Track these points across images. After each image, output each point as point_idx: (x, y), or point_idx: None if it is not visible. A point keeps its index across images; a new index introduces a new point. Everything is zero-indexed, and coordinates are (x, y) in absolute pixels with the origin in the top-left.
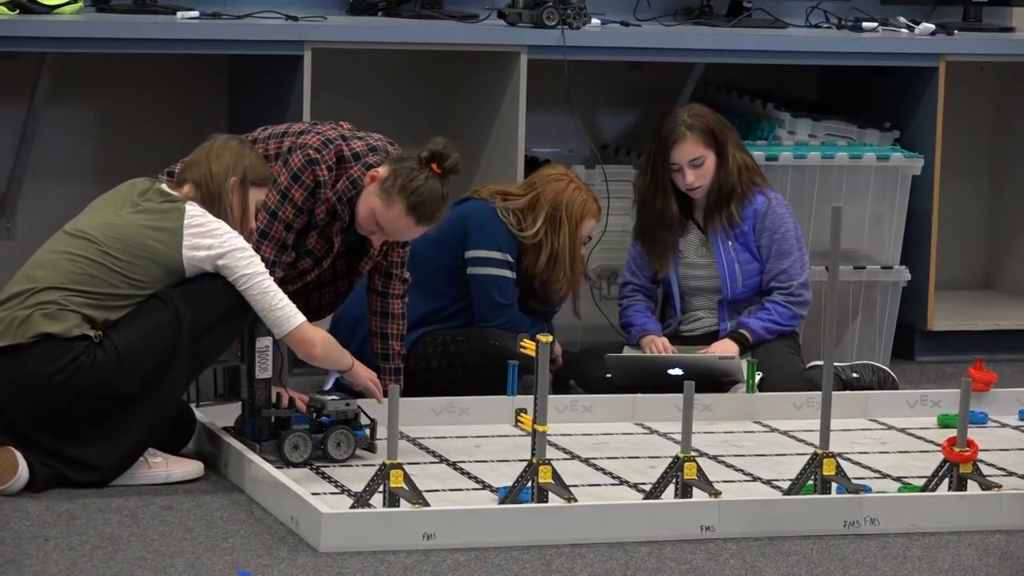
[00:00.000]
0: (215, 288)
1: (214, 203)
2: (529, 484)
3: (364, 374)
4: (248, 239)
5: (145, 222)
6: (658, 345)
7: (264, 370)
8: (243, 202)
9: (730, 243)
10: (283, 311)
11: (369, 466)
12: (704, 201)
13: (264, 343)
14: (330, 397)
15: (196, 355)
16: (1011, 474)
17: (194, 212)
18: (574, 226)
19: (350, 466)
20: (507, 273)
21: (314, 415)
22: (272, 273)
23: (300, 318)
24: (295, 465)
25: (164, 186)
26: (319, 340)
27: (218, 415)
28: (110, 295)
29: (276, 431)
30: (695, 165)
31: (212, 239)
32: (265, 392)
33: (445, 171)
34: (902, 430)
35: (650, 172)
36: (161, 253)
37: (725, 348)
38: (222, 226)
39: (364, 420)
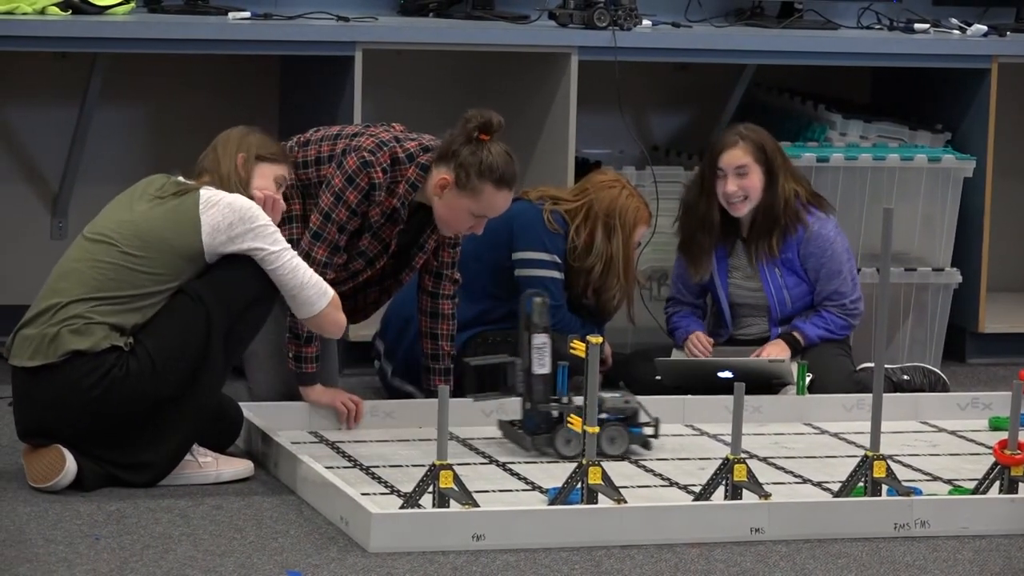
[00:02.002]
0: (240, 273)
1: (228, 187)
2: (579, 485)
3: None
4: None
5: (161, 214)
6: (698, 341)
7: (542, 366)
8: (249, 174)
9: (776, 270)
10: (314, 288)
11: (419, 467)
12: (749, 223)
13: (541, 340)
14: (610, 394)
15: (230, 344)
16: None
17: (208, 194)
18: (628, 233)
19: (400, 466)
20: (555, 274)
21: None
22: (323, 275)
23: (329, 296)
24: (568, 459)
25: (180, 178)
26: (344, 320)
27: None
28: (135, 296)
29: (553, 425)
30: (739, 174)
31: (231, 217)
32: (543, 387)
33: (494, 133)
34: (953, 432)
35: (699, 178)
36: (180, 242)
37: (777, 350)
38: (237, 200)
39: (643, 418)
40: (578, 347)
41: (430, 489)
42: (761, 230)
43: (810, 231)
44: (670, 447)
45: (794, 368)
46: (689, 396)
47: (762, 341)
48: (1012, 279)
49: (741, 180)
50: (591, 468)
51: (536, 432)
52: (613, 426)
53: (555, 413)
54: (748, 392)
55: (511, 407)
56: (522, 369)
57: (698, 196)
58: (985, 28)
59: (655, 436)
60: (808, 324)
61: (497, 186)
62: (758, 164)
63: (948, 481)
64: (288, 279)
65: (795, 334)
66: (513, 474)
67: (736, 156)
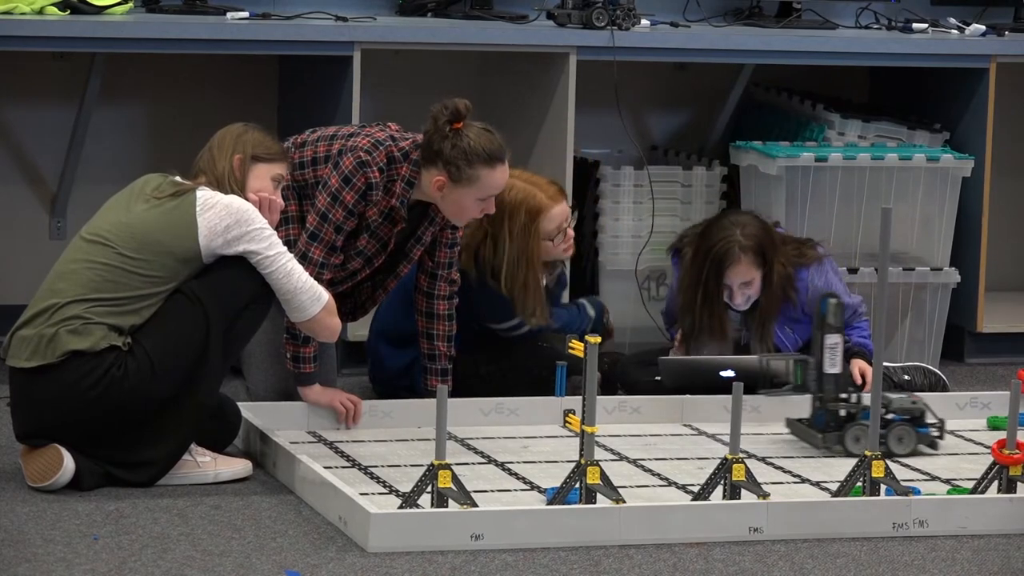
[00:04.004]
0: (238, 273)
1: (223, 189)
2: (577, 485)
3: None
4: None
5: (158, 216)
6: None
7: (833, 365)
8: (246, 175)
9: (787, 328)
10: (309, 293)
11: (417, 467)
12: (749, 320)
13: (834, 340)
14: (896, 395)
15: (228, 344)
16: None
17: (204, 196)
18: (526, 226)
19: (399, 466)
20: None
21: (882, 411)
22: (320, 275)
23: (323, 301)
24: (855, 456)
25: (177, 177)
26: (339, 325)
27: (791, 407)
28: (132, 298)
29: (842, 423)
30: (746, 284)
31: (228, 219)
32: (833, 386)
33: (465, 118)
34: (951, 432)
35: (702, 289)
36: (177, 245)
37: (863, 368)
38: (234, 201)
39: (930, 419)
40: (577, 347)
41: (428, 489)
42: (762, 322)
43: (811, 292)
44: (669, 447)
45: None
46: (688, 396)
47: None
48: (1010, 279)
49: (746, 289)
50: (589, 468)
51: (826, 429)
52: (901, 426)
53: (843, 412)
54: (747, 392)
55: (800, 404)
56: (813, 368)
57: (703, 305)
58: (983, 28)
59: (941, 436)
60: (860, 339)
61: (490, 165)
62: (759, 269)
63: (946, 481)
64: (283, 283)
65: (862, 350)
66: (511, 474)
67: (742, 272)
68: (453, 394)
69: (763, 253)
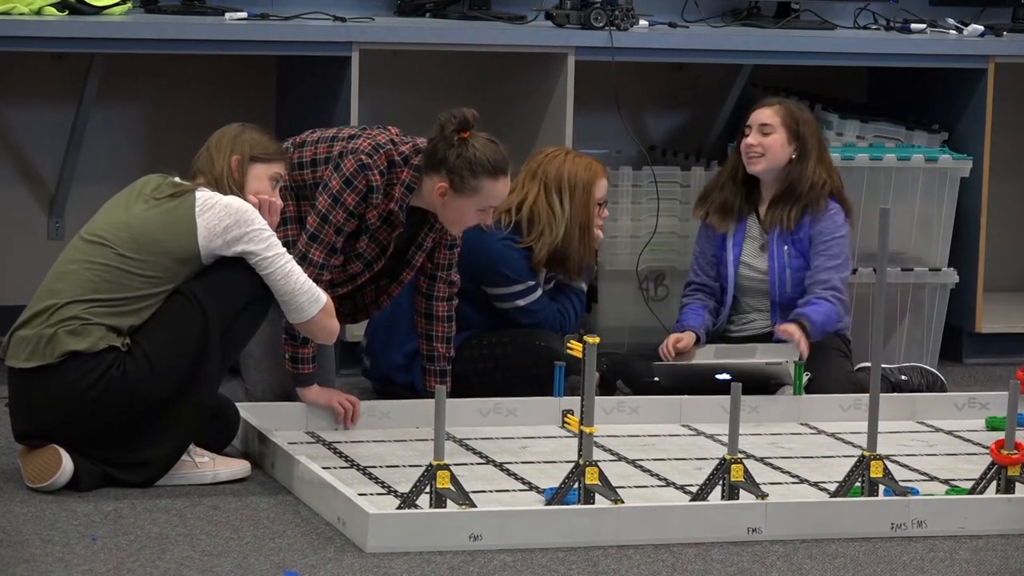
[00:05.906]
0: (236, 275)
1: (222, 189)
2: (576, 485)
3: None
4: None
5: (157, 216)
6: (666, 347)
7: None
8: (244, 176)
9: (785, 247)
10: (307, 294)
11: (416, 467)
12: (770, 195)
13: None
14: None
15: (227, 344)
16: None
17: (203, 196)
18: (583, 192)
19: (397, 467)
20: (532, 296)
21: None
22: (320, 277)
23: (321, 303)
24: None
25: (176, 178)
26: (337, 327)
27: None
28: (130, 299)
29: None
30: (763, 132)
31: (227, 220)
32: None
33: (473, 127)
34: (950, 432)
35: (736, 143)
36: (176, 245)
37: (787, 330)
38: (233, 202)
39: None
40: (575, 347)
41: (427, 489)
42: (782, 201)
43: (829, 211)
44: (667, 447)
45: (791, 368)
46: (686, 396)
47: (762, 338)
48: (1009, 279)
49: (763, 138)
50: (588, 468)
51: None
52: None
53: None
54: (745, 393)
55: None
56: None
57: (733, 154)
58: (982, 28)
59: None
60: (810, 310)
61: (494, 177)
62: (785, 129)
63: (945, 481)
64: (281, 284)
65: (803, 321)
66: (510, 474)
67: (764, 114)
68: (452, 393)
69: (796, 123)
